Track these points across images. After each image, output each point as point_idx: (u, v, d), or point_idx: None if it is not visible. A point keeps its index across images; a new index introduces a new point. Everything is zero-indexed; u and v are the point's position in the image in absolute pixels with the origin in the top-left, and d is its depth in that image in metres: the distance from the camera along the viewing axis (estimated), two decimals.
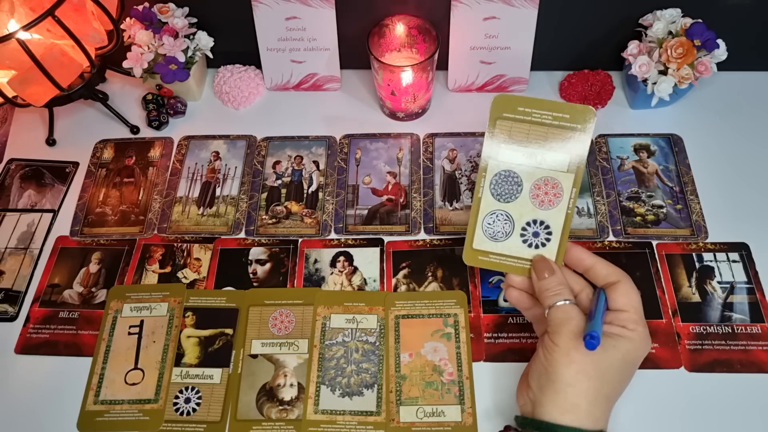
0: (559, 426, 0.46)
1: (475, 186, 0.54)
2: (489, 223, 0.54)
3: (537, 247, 0.54)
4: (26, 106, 0.72)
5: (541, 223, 0.53)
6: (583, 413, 0.46)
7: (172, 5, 0.76)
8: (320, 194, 0.72)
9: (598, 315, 0.48)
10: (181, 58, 0.74)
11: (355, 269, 0.67)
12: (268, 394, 0.59)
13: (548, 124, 0.52)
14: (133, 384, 0.60)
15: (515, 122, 0.53)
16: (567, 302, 0.50)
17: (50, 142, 0.78)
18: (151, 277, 0.67)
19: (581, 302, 0.52)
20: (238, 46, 0.79)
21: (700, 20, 0.69)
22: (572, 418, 0.46)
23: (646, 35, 0.72)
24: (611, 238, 0.67)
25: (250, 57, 0.80)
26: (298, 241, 0.69)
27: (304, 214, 0.71)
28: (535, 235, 0.54)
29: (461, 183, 0.71)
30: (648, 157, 0.72)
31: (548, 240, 0.53)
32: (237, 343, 0.62)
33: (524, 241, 0.54)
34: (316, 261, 0.67)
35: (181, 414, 0.59)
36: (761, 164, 0.71)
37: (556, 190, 0.53)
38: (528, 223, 0.54)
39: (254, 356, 0.61)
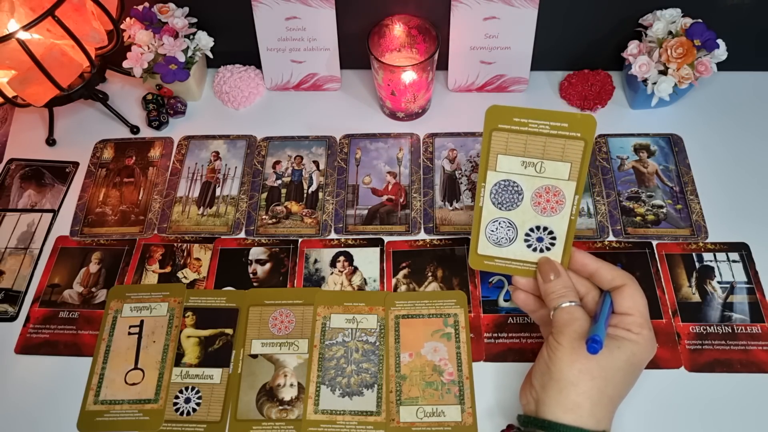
0: (561, 425, 0.46)
1: (476, 195, 0.54)
2: (492, 230, 0.54)
3: (542, 251, 0.53)
4: (26, 106, 0.72)
5: (545, 228, 0.53)
6: (585, 413, 0.46)
7: (172, 5, 0.76)
8: (320, 194, 0.72)
9: (601, 319, 0.47)
10: (181, 58, 0.74)
11: (355, 269, 0.66)
12: (268, 394, 0.59)
13: (546, 134, 0.50)
14: (133, 384, 0.60)
15: (511, 133, 0.51)
16: (572, 304, 0.49)
17: (50, 142, 0.78)
18: (151, 277, 0.67)
19: (587, 305, 0.51)
20: (238, 46, 0.79)
21: (700, 20, 0.69)
22: (574, 417, 0.46)
23: (646, 35, 0.72)
24: (611, 238, 0.67)
25: (250, 57, 0.80)
26: (298, 241, 0.69)
27: (304, 214, 0.71)
28: (539, 240, 0.53)
29: (461, 183, 0.71)
30: (648, 157, 0.72)
31: (552, 244, 0.53)
32: (237, 343, 0.62)
33: (528, 246, 0.53)
34: (316, 261, 0.67)
35: (181, 414, 0.59)
36: (761, 164, 0.71)
37: (558, 197, 0.52)
38: (531, 229, 0.53)
39: (254, 356, 0.61)
